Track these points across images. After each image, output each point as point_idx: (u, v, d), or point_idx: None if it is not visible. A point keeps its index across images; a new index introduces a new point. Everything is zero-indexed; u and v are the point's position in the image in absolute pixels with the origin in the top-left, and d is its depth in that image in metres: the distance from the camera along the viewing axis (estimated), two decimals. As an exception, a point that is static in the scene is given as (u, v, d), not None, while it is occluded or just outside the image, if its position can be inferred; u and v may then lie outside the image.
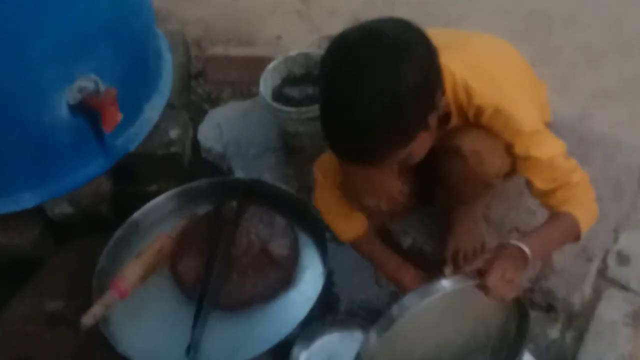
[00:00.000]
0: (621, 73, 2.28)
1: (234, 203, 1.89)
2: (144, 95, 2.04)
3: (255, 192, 1.93)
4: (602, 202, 1.55)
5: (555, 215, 1.45)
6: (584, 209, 1.45)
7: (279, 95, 2.03)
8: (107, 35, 1.78)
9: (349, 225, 1.65)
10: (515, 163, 1.46)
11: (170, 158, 2.08)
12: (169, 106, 2.13)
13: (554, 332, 1.69)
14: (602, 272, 1.74)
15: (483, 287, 1.30)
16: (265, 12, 2.61)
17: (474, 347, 1.43)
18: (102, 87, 1.75)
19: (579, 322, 1.70)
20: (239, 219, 1.87)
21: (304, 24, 2.56)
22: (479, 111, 1.41)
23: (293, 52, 2.09)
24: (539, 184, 1.44)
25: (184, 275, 1.79)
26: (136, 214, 1.94)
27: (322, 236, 1.82)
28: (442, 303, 1.30)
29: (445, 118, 1.42)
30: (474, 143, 1.43)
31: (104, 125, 1.77)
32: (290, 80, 2.08)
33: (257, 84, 2.00)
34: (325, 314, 1.77)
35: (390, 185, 1.50)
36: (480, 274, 1.32)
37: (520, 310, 1.41)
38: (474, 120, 1.43)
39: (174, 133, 2.09)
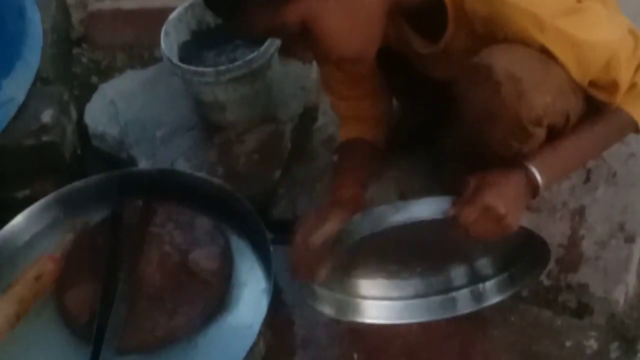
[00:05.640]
0: None
1: (138, 204, 1.68)
2: (1, 67, 1.78)
3: (166, 187, 1.72)
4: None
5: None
6: None
7: (189, 54, 1.80)
8: None
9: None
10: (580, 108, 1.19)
11: (45, 150, 1.83)
12: (41, 81, 1.90)
13: (591, 344, 1.40)
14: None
15: (455, 224, 1.15)
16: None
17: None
18: None
19: (625, 327, 1.44)
20: (145, 224, 1.67)
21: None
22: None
23: (203, -6, 1.84)
24: None
25: (74, 309, 1.55)
26: (3, 232, 1.67)
27: (262, 239, 1.59)
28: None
29: (431, 21, 1.17)
30: (514, 65, 1.12)
31: None
32: (202, 34, 1.84)
33: (159, 44, 1.77)
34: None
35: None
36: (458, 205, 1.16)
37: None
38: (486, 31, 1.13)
39: (47, 116, 1.83)
